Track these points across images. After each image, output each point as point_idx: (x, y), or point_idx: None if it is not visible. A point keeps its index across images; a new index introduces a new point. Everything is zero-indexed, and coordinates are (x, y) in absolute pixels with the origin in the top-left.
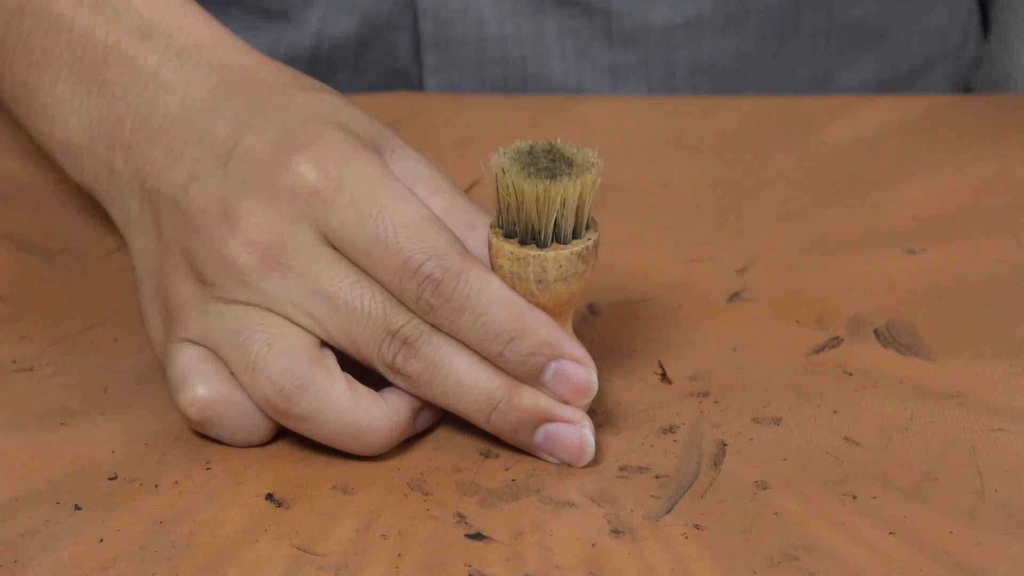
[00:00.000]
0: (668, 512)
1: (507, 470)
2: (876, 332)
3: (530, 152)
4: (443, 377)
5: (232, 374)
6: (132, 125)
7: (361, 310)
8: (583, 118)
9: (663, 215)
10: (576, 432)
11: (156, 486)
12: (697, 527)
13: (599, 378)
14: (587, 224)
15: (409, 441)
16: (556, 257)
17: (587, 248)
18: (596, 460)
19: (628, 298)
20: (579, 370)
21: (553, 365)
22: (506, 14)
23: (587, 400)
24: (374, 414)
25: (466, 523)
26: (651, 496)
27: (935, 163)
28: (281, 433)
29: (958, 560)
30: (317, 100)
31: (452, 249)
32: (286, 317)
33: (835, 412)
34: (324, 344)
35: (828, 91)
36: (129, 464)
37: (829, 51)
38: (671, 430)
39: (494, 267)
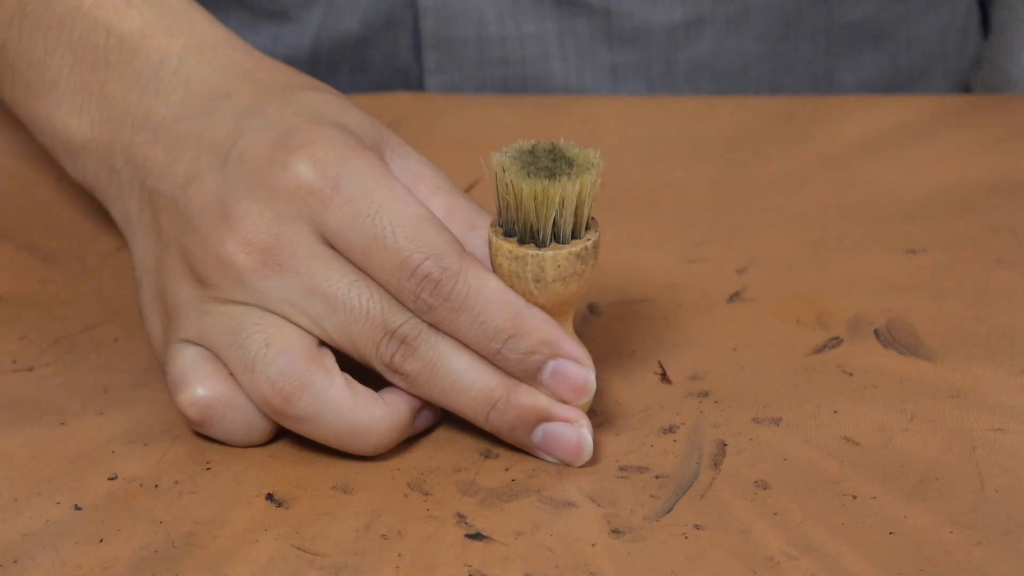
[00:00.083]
0: (668, 512)
1: (507, 470)
2: (876, 332)
3: (532, 151)
4: (441, 376)
5: (231, 374)
6: (133, 125)
7: (359, 309)
8: (583, 118)
9: (663, 215)
10: (574, 431)
11: (156, 486)
12: (697, 527)
13: (599, 378)
14: (587, 224)
15: (409, 441)
16: (554, 257)
17: (586, 249)
18: (596, 460)
19: (628, 298)
20: (577, 369)
21: (551, 364)
22: (507, 14)
23: (585, 399)
24: (373, 414)
25: (466, 523)
26: (651, 496)
27: (935, 163)
28: (281, 433)
29: (958, 560)
30: (317, 100)
31: (450, 248)
32: (284, 317)
33: (835, 412)
34: (323, 344)
35: (829, 91)
36: (129, 464)
37: (830, 51)
38: (671, 430)
39: (494, 266)
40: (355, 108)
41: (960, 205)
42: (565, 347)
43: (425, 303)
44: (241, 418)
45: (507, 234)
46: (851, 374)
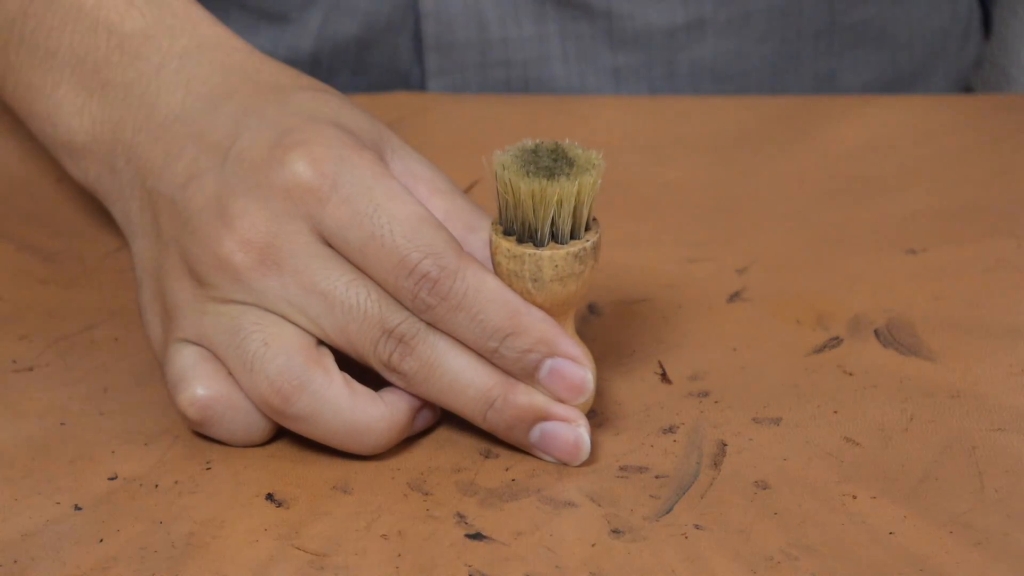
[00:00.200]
0: (668, 512)
1: (507, 470)
2: (876, 332)
3: (534, 151)
4: (439, 375)
5: (231, 374)
6: (134, 125)
7: (357, 309)
8: (584, 118)
9: (663, 215)
10: (572, 431)
11: (156, 486)
12: (697, 527)
13: (599, 378)
14: (588, 225)
15: (409, 441)
16: (552, 257)
17: (584, 250)
18: (596, 460)
19: (628, 298)
20: (574, 368)
21: (548, 362)
22: (508, 16)
23: (582, 398)
24: (372, 414)
25: (466, 523)
26: (651, 496)
27: (935, 163)
28: (281, 433)
29: (958, 560)
30: (316, 99)
31: (448, 247)
32: (282, 316)
33: (835, 412)
34: (321, 343)
35: (830, 92)
36: (129, 464)
37: (831, 52)
38: (671, 430)
39: (493, 264)
40: (355, 108)
41: (960, 205)
42: (563, 346)
43: (423, 302)
44: (241, 418)
45: (507, 233)
46: (851, 374)
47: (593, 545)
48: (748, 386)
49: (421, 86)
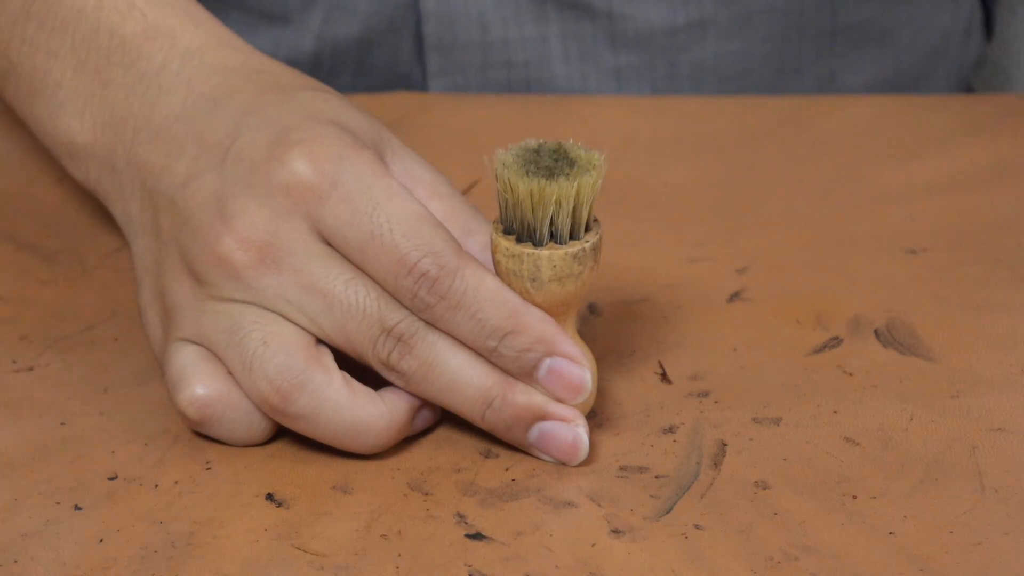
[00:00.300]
0: (668, 512)
1: (507, 470)
2: (876, 332)
3: (536, 150)
4: (438, 375)
5: (230, 373)
6: (135, 125)
7: (356, 307)
8: (584, 118)
9: (663, 215)
10: (570, 430)
11: (156, 486)
12: (697, 527)
13: (599, 378)
14: (588, 226)
15: (409, 441)
16: (550, 257)
17: (583, 251)
18: (596, 460)
19: (628, 298)
20: (573, 367)
21: (547, 361)
22: (509, 17)
23: (580, 398)
24: (371, 412)
25: (466, 523)
26: (651, 496)
27: (935, 163)
28: (281, 433)
29: (958, 560)
30: (316, 99)
31: (447, 246)
32: (281, 315)
33: (835, 412)
34: (320, 342)
35: (832, 93)
36: (129, 464)
37: (832, 53)
38: (671, 430)
39: (494, 263)
40: (355, 109)
41: (960, 205)
42: (561, 345)
43: (422, 301)
44: (240, 417)
45: (507, 232)
46: (851, 374)
47: (593, 545)
48: (748, 386)
49: (422, 87)
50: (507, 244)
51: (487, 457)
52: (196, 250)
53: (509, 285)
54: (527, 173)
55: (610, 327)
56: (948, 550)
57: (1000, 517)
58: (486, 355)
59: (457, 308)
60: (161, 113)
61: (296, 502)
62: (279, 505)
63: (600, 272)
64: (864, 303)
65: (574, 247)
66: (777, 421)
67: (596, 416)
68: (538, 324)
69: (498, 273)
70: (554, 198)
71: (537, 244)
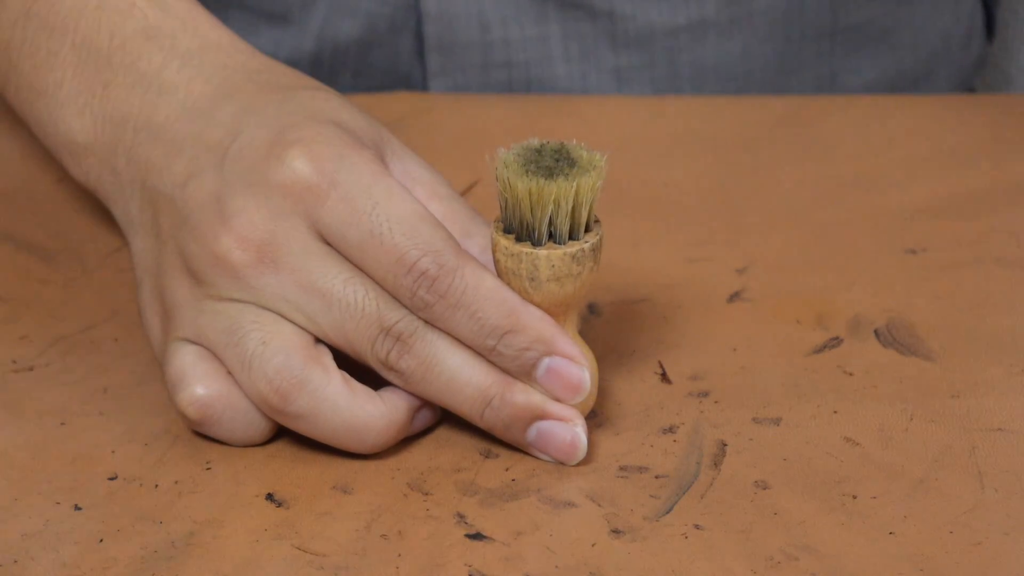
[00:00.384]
0: (668, 512)
1: (507, 470)
2: (876, 332)
3: (539, 150)
4: (437, 374)
5: (230, 373)
6: (135, 125)
7: (354, 306)
8: (584, 118)
9: (663, 215)
10: (568, 430)
11: (156, 486)
12: (697, 527)
13: (600, 378)
14: (589, 227)
15: (409, 441)
16: (548, 256)
17: (582, 251)
18: (596, 460)
19: (628, 298)
20: (571, 367)
21: (546, 361)
22: (510, 17)
23: (579, 397)
24: (371, 412)
25: (466, 523)
26: (651, 496)
27: (935, 163)
28: (281, 433)
29: (958, 560)
30: (317, 99)
31: (447, 245)
32: (280, 314)
33: (835, 412)
34: (319, 341)
35: (833, 93)
36: (129, 464)
37: (833, 53)
38: (671, 430)
39: (494, 261)
40: (356, 109)
41: (960, 205)
42: (560, 345)
43: (422, 300)
44: (240, 417)
45: (507, 231)
46: (851, 374)
47: (593, 545)
48: (748, 386)
49: (423, 87)
50: (506, 243)
51: (487, 457)
52: (195, 249)
53: (508, 284)
54: (527, 172)
55: (610, 327)
56: (948, 550)
57: (1000, 517)
58: (485, 354)
59: (456, 307)
60: (162, 113)
61: (296, 502)
62: (279, 505)
63: (600, 272)
64: (864, 303)
65: (573, 248)
66: (777, 421)
67: (596, 416)
68: (537, 323)
69: (498, 272)
70: (552, 198)
71: (536, 244)
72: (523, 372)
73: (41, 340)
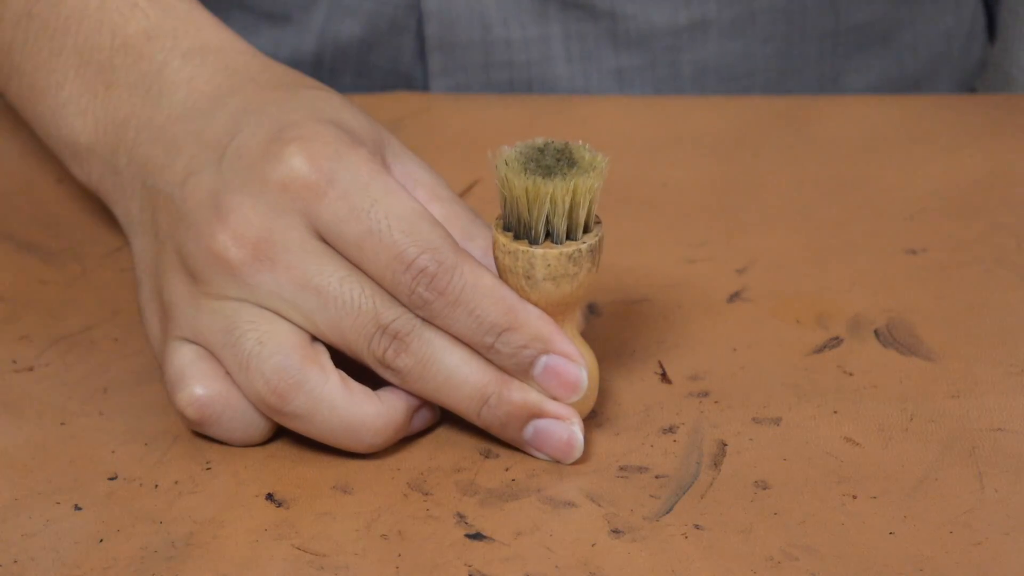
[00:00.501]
0: (668, 512)
1: (507, 470)
2: (876, 332)
3: (541, 149)
4: (434, 372)
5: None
6: (137, 125)
7: (351, 304)
8: (584, 118)
9: (663, 215)
10: (565, 428)
11: (156, 486)
12: (697, 527)
13: (600, 378)
14: (589, 227)
15: (409, 441)
16: (544, 256)
17: (579, 251)
18: (596, 460)
19: (628, 298)
20: (569, 365)
21: (543, 359)
22: (511, 17)
23: (576, 396)
24: (368, 411)
25: (466, 523)
26: (651, 496)
27: (935, 163)
28: (281, 433)
29: (958, 560)
30: (317, 99)
31: (445, 243)
32: (276, 313)
33: (835, 412)
34: (316, 340)
35: (834, 94)
36: (129, 464)
37: (835, 54)
38: (671, 430)
39: (494, 259)
40: (356, 109)
41: (960, 205)
42: (558, 344)
43: (420, 297)
44: (239, 417)
45: (507, 228)
46: (851, 374)
47: (593, 545)
48: (748, 386)
49: (424, 87)
50: (504, 240)
51: (487, 457)
52: (192, 247)
53: (506, 282)
54: (525, 170)
55: (610, 327)
56: (948, 550)
57: (1000, 517)
58: (483, 352)
59: (455, 304)
60: (163, 113)
61: (296, 502)
62: (279, 505)
63: (600, 272)
64: (864, 303)
65: (569, 248)
66: (777, 421)
67: (596, 416)
68: (535, 321)
69: (497, 270)
70: (548, 197)
71: (533, 242)
72: (520, 370)
73: (41, 340)
